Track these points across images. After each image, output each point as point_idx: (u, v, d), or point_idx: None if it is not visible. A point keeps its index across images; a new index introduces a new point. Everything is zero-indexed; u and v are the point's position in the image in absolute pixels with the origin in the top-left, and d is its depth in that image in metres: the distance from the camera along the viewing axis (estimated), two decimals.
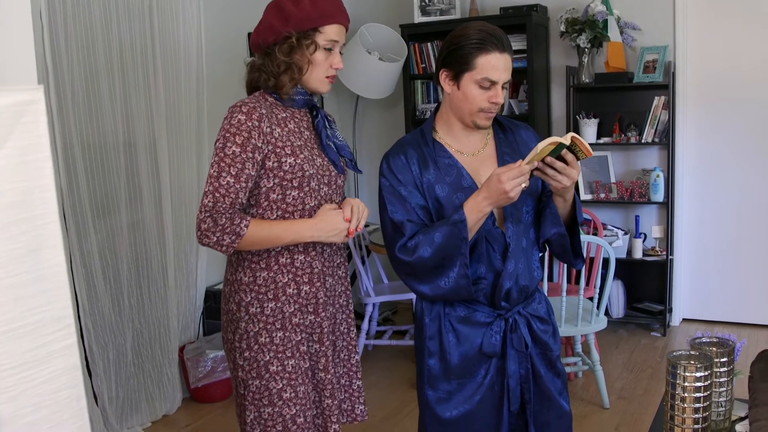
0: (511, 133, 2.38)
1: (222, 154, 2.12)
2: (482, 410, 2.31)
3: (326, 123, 2.35)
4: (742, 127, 5.36)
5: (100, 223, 3.94)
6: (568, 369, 4.27)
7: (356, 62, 5.49)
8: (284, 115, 2.25)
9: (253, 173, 2.14)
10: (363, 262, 5.05)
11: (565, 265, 4.04)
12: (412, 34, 5.73)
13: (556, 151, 2.06)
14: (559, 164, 2.09)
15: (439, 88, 2.39)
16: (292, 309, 2.25)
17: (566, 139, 2.04)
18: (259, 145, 2.14)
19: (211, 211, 2.10)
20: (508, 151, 2.33)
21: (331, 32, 2.23)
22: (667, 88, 5.25)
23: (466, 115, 2.23)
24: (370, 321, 5.19)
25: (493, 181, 2.10)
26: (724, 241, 5.52)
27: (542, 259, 4.17)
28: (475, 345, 2.28)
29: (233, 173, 2.11)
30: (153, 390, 4.25)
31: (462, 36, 2.21)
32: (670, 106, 5.25)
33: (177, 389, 4.37)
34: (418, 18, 5.71)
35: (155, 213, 4.23)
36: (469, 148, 2.31)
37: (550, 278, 5.17)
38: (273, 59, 2.21)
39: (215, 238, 2.11)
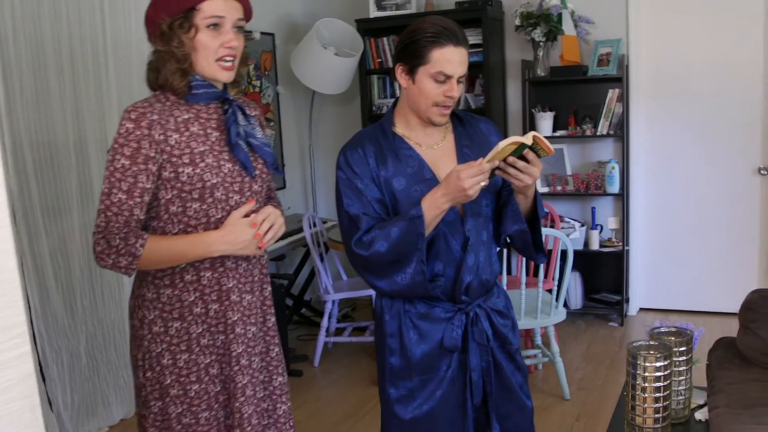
0: (470, 126, 2.38)
1: (112, 168, 1.91)
2: (445, 406, 2.30)
3: (238, 118, 2.08)
4: (695, 118, 5.44)
5: (51, 225, 3.85)
6: (528, 362, 4.29)
7: (312, 57, 5.45)
8: (187, 116, 2.00)
9: (148, 186, 1.93)
10: (321, 259, 5.02)
11: (524, 258, 4.06)
12: (368, 29, 5.71)
13: (518, 151, 2.05)
14: (521, 164, 2.09)
15: (396, 83, 2.35)
16: (200, 329, 2.04)
17: (528, 139, 2.03)
18: (152, 155, 1.92)
19: (104, 232, 1.91)
20: (467, 143, 2.32)
21: (210, 8, 1.93)
22: (620, 80, 5.31)
23: (422, 110, 2.22)
24: (329, 318, 5.16)
25: (452, 178, 2.08)
26: (679, 231, 5.60)
27: (500, 252, 4.19)
28: (436, 340, 2.27)
29: (125, 189, 1.91)
30: (109, 394, 4.18)
31: (417, 30, 2.19)
32: (624, 99, 5.30)
33: (133, 393, 4.29)
34: (374, 12, 5.69)
35: None
36: (428, 141, 2.30)
37: (509, 271, 5.19)
38: (156, 53, 1.99)
39: (111, 261, 1.91)
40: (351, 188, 2.23)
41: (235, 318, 2.08)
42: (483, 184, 2.08)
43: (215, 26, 1.96)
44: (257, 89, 5.71)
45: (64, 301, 3.93)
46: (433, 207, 2.13)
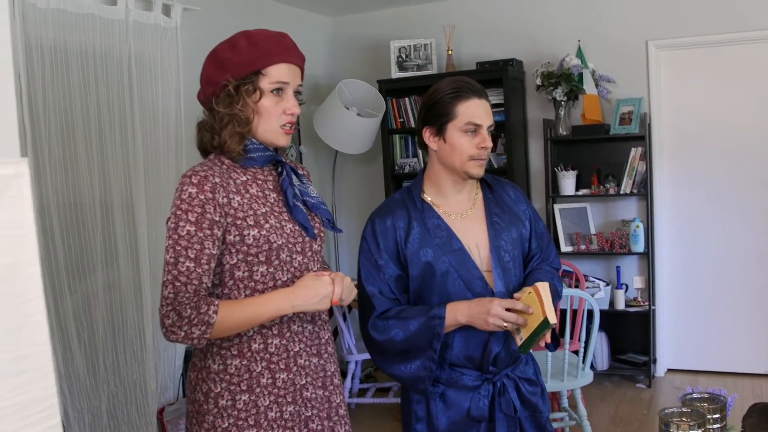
0: (499, 192, 2.38)
1: (176, 236, 1.83)
2: None
3: (293, 180, 2.05)
4: (718, 176, 5.41)
5: (75, 284, 3.86)
6: (555, 425, 4.21)
7: (334, 118, 5.50)
8: (245, 178, 1.96)
9: (214, 252, 1.86)
10: (344, 319, 4.99)
11: None
12: (390, 89, 5.77)
13: (544, 328, 2.09)
14: (546, 338, 2.14)
15: (422, 151, 2.36)
16: (268, 402, 1.94)
17: (552, 318, 2.06)
18: (217, 219, 1.85)
19: (174, 303, 1.82)
20: (497, 212, 2.31)
21: (276, 73, 1.92)
22: (643, 139, 5.31)
23: (458, 166, 2.22)
24: (352, 378, 5.11)
25: (484, 301, 2.12)
26: (706, 291, 5.53)
27: None
28: (463, 409, 2.24)
29: (192, 256, 1.83)
30: None
31: (437, 90, 2.23)
32: (647, 157, 5.29)
33: None
34: (396, 73, 5.76)
35: (132, 273, 4.16)
36: (458, 209, 2.29)
37: None
38: (215, 114, 1.93)
39: (183, 333, 1.81)
40: (371, 262, 2.24)
41: (303, 382, 2.00)
42: (505, 325, 2.10)
43: (278, 91, 1.94)
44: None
45: (87, 360, 3.92)
46: (452, 316, 2.16)
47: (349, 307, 5.29)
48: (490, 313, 2.08)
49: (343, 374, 5.42)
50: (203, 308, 1.82)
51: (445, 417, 2.24)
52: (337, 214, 6.31)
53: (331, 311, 5.38)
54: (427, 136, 2.25)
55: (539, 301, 2.07)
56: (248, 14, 5.26)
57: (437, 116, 2.21)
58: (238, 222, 1.88)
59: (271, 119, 1.95)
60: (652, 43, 5.39)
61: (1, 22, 1.39)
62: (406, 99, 5.83)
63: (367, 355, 4.91)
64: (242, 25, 2.11)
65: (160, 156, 4.29)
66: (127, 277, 4.14)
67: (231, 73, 1.90)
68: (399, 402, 4.73)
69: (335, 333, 5.61)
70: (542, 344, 2.15)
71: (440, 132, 2.22)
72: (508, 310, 2.10)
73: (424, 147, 2.29)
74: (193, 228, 1.83)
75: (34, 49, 3.61)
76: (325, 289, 1.91)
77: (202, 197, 1.84)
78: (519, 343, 2.15)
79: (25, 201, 0.94)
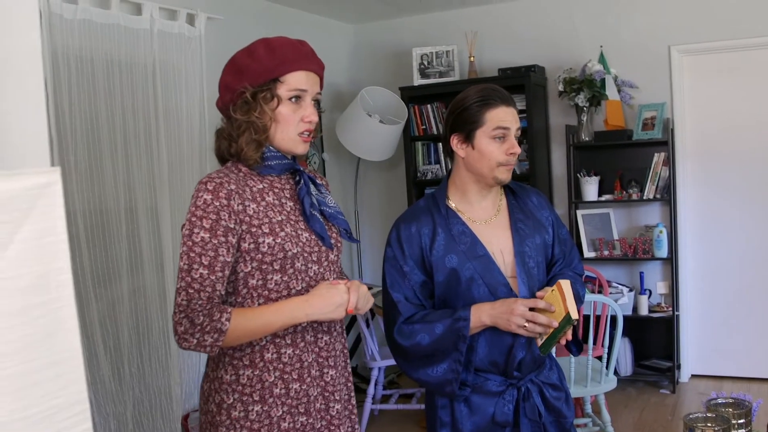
0: (523, 198, 2.39)
1: (190, 243, 1.82)
2: None
3: (311, 189, 2.03)
4: (742, 180, 5.37)
5: (101, 291, 3.91)
6: (579, 431, 4.20)
7: (357, 125, 5.52)
8: (261, 186, 1.94)
9: (229, 259, 1.84)
10: (367, 325, 5.00)
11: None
12: (412, 96, 5.79)
13: (566, 324, 2.10)
14: (567, 335, 2.15)
15: (448, 158, 2.37)
16: (281, 412, 1.91)
17: (574, 312, 2.08)
18: (232, 226, 1.84)
19: (186, 310, 1.79)
20: (521, 218, 2.32)
21: (294, 81, 1.91)
22: (666, 144, 5.28)
23: (486, 172, 2.23)
24: (375, 385, 5.12)
25: (508, 302, 2.13)
26: (730, 296, 5.49)
27: None
28: (488, 415, 2.25)
29: (206, 263, 1.81)
30: None
31: (465, 98, 2.24)
32: (670, 162, 5.27)
33: None
34: (418, 80, 5.77)
35: (157, 279, 4.20)
36: (482, 215, 2.30)
37: None
38: (233, 121, 1.93)
39: (195, 340, 1.79)
40: (396, 269, 2.26)
41: (315, 393, 1.97)
42: (528, 326, 2.10)
43: (297, 99, 1.93)
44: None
45: (112, 366, 3.96)
46: (476, 317, 2.17)
47: (372, 313, 5.30)
48: (514, 313, 2.09)
49: (367, 381, 5.44)
50: (216, 315, 1.80)
51: (469, 422, 2.24)
52: (360, 221, 6.33)
53: (354, 318, 5.40)
54: (455, 143, 2.27)
55: (561, 298, 2.08)
56: (271, 22, 5.30)
57: (465, 123, 2.23)
58: (253, 230, 1.87)
59: (289, 127, 1.93)
60: (674, 48, 5.37)
61: (32, 39, 1.42)
62: (429, 106, 5.84)
63: (390, 362, 4.91)
64: (265, 34, 2.12)
65: (184, 163, 4.33)
66: (152, 283, 4.18)
67: (248, 80, 1.89)
68: (422, 408, 4.73)
69: (358, 340, 5.63)
70: (563, 342, 2.15)
71: (468, 138, 2.23)
72: (531, 310, 2.11)
73: (451, 154, 2.30)
74: (208, 235, 1.81)
75: (60, 58, 3.66)
76: (340, 297, 1.88)
77: (217, 204, 1.82)
78: (539, 343, 2.16)
79: (57, 210, 0.96)
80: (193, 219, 1.83)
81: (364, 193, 6.46)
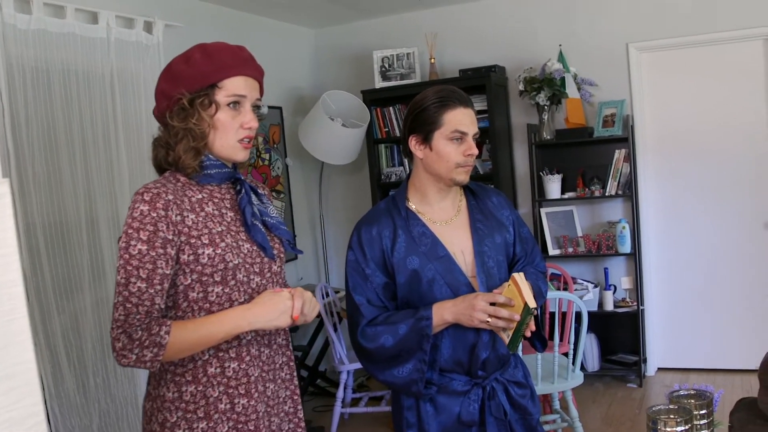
0: (483, 199, 2.40)
1: (127, 256, 1.75)
2: None
3: (252, 198, 1.98)
4: (702, 175, 5.45)
5: (63, 303, 3.86)
6: (547, 427, 4.23)
7: (320, 129, 5.52)
8: (200, 196, 1.88)
9: (168, 272, 1.78)
10: (335, 329, 5.00)
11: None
12: (374, 99, 5.79)
13: (527, 315, 2.11)
14: (531, 326, 2.15)
15: (407, 159, 2.38)
16: (226, 428, 1.85)
17: (531, 301, 2.09)
18: (170, 237, 1.77)
19: (124, 326, 1.73)
20: (480, 218, 2.34)
21: (233, 86, 1.86)
22: (626, 140, 5.35)
23: (444, 174, 2.24)
24: (345, 389, 5.11)
25: (468, 297, 2.14)
26: (694, 289, 5.56)
27: None
28: (453, 414, 2.25)
29: (143, 276, 1.74)
30: None
31: (423, 99, 2.25)
32: (631, 159, 5.33)
33: None
34: (379, 83, 5.78)
35: None
36: (442, 216, 2.31)
37: None
38: (170, 129, 1.86)
39: (134, 356, 1.72)
40: (358, 272, 2.27)
41: (261, 410, 1.91)
42: (489, 320, 2.11)
43: (235, 105, 1.88)
44: (266, 162, 5.77)
45: (77, 379, 3.91)
46: (438, 315, 2.18)
47: (340, 317, 5.30)
48: (475, 308, 2.10)
49: (336, 384, 5.43)
50: (155, 329, 1.74)
51: (435, 423, 2.25)
52: (325, 225, 6.32)
53: (321, 322, 5.39)
54: (413, 144, 2.27)
55: (518, 291, 2.10)
56: (231, 29, 5.28)
57: (423, 124, 2.23)
58: (192, 240, 1.81)
59: (228, 133, 1.88)
60: (632, 45, 5.44)
61: None
62: (391, 108, 5.85)
63: (358, 365, 4.91)
64: (224, 40, 2.10)
65: (145, 172, 4.29)
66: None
67: (185, 86, 1.84)
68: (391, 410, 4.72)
69: (326, 344, 5.62)
70: (528, 334, 2.16)
71: (426, 140, 2.24)
72: (492, 304, 2.12)
73: (409, 155, 2.30)
74: (145, 247, 1.75)
75: (15, 69, 3.61)
76: (284, 304, 1.83)
77: (155, 215, 1.76)
78: (506, 340, 2.17)
79: (6, 221, 0.95)
80: (130, 231, 1.76)
81: (329, 197, 6.45)
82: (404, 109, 5.82)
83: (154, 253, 1.75)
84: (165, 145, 1.89)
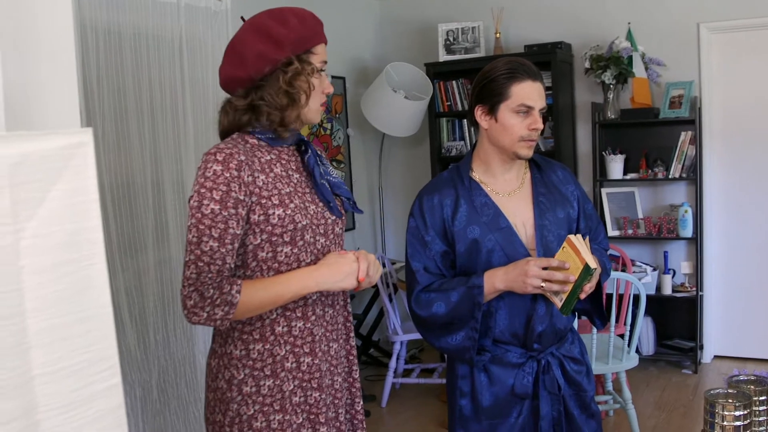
0: (548, 173, 2.38)
1: (199, 215, 1.77)
2: None
3: (318, 159, 2.02)
4: None
5: (127, 262, 3.96)
6: (599, 407, 4.21)
7: (382, 100, 5.52)
8: (269, 157, 1.91)
9: (238, 232, 1.80)
10: (390, 300, 5.04)
11: None
12: (437, 72, 5.77)
13: (586, 275, 2.07)
14: (587, 287, 2.12)
15: (473, 128, 2.38)
16: (292, 386, 1.89)
17: (592, 262, 2.05)
18: (242, 198, 1.79)
19: (196, 284, 1.76)
20: (543, 191, 2.32)
21: (322, 51, 1.93)
22: (693, 123, 5.24)
23: (507, 146, 2.23)
24: (397, 359, 5.16)
25: (520, 264, 2.13)
26: (755, 277, 5.45)
27: None
28: (507, 386, 2.26)
29: (215, 236, 1.76)
30: (179, 428, 4.24)
31: (492, 69, 2.24)
32: (696, 142, 5.23)
33: (203, 429, 4.34)
34: (443, 56, 5.76)
35: (182, 250, 4.23)
36: (506, 188, 2.31)
37: (579, 315, 5.12)
38: (274, 91, 1.86)
39: (205, 314, 1.75)
40: (417, 239, 2.28)
41: (324, 369, 1.95)
42: (543, 285, 2.09)
43: (321, 71, 1.94)
44: (328, 131, 5.81)
45: (138, 335, 4.02)
46: (489, 284, 2.17)
47: (395, 287, 5.33)
48: (528, 274, 2.08)
49: (389, 355, 5.48)
50: (226, 288, 1.76)
51: (489, 393, 2.26)
52: (384, 197, 6.34)
53: (377, 292, 5.43)
54: (479, 114, 2.27)
55: (575, 251, 2.06)
56: None
57: (491, 95, 2.22)
58: (263, 201, 1.83)
59: (317, 97, 1.93)
60: (703, 25, 5.31)
61: (64, 11, 1.45)
62: (454, 82, 5.83)
63: (412, 336, 4.95)
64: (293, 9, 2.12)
65: (210, 137, 4.35)
66: (178, 254, 4.22)
67: (291, 50, 1.85)
68: (443, 382, 4.76)
69: (381, 314, 5.67)
70: (585, 291, 2.11)
71: (492, 111, 2.23)
72: (545, 269, 2.10)
73: (475, 125, 2.30)
74: (218, 207, 1.77)
75: (89, 31, 3.69)
76: (349, 266, 1.87)
77: (227, 175, 1.78)
78: (559, 305, 2.14)
79: (89, 169, 0.98)
80: (203, 191, 1.78)
81: (389, 169, 6.47)
82: (468, 83, 5.79)
83: (226, 213, 1.77)
84: (250, 108, 1.89)
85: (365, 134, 6.24)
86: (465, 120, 5.72)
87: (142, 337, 4.05)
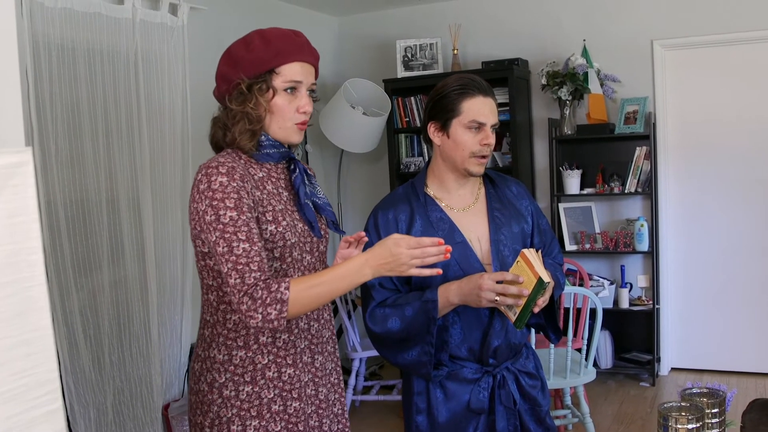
0: (502, 188, 2.40)
1: (221, 226, 1.80)
2: None
3: (305, 179, 2.05)
4: (722, 174, 5.42)
5: (82, 281, 3.90)
6: (557, 422, 4.23)
7: (340, 117, 5.52)
8: (261, 174, 1.96)
9: (259, 232, 1.85)
10: (349, 317, 5.01)
11: None
12: (396, 88, 5.79)
13: (539, 289, 2.07)
14: (540, 301, 2.11)
15: (426, 145, 2.39)
16: (272, 395, 1.94)
17: (546, 276, 2.06)
18: (252, 204, 1.85)
19: (243, 287, 1.78)
20: (498, 207, 2.34)
21: (290, 72, 1.92)
22: (648, 138, 5.31)
23: (459, 162, 2.24)
24: (357, 376, 5.13)
25: (474, 277, 2.12)
26: (711, 289, 5.53)
27: None
28: (463, 401, 2.26)
29: (243, 238, 1.79)
30: None
31: (444, 86, 2.25)
32: (651, 156, 5.30)
33: None
34: (401, 73, 5.78)
35: (138, 269, 4.19)
36: (460, 203, 2.32)
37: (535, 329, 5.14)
38: (228, 111, 1.94)
39: (260, 316, 1.76)
40: None
41: (306, 379, 2.00)
42: (497, 299, 2.08)
43: (292, 90, 1.94)
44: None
45: (92, 356, 3.95)
46: (444, 298, 2.17)
47: (354, 305, 5.31)
48: (482, 287, 2.08)
49: (348, 372, 5.45)
50: (273, 287, 1.78)
51: (445, 409, 2.26)
52: (343, 213, 6.33)
53: (336, 309, 5.41)
54: (432, 130, 2.27)
55: (529, 266, 2.07)
56: (255, 14, 5.29)
57: (442, 111, 2.24)
58: (259, 216, 1.87)
59: (285, 117, 1.95)
60: (657, 42, 5.40)
61: (6, 19, 1.42)
62: (412, 98, 5.85)
63: (371, 353, 4.93)
64: (249, 25, 2.14)
65: (166, 153, 4.32)
66: (133, 273, 4.17)
67: (244, 71, 1.90)
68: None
69: (340, 331, 5.64)
70: (539, 305, 2.11)
71: (444, 127, 2.24)
72: (499, 283, 2.10)
73: (429, 141, 2.31)
74: (235, 213, 1.80)
75: (41, 47, 3.64)
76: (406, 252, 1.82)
77: (234, 185, 1.82)
78: (513, 318, 2.14)
79: (28, 189, 0.96)
80: (215, 202, 1.81)
81: (348, 185, 6.46)
82: (426, 99, 5.80)
83: (244, 217, 1.81)
84: (223, 125, 1.96)
85: (324, 150, 6.23)
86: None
87: (96, 358, 3.98)
